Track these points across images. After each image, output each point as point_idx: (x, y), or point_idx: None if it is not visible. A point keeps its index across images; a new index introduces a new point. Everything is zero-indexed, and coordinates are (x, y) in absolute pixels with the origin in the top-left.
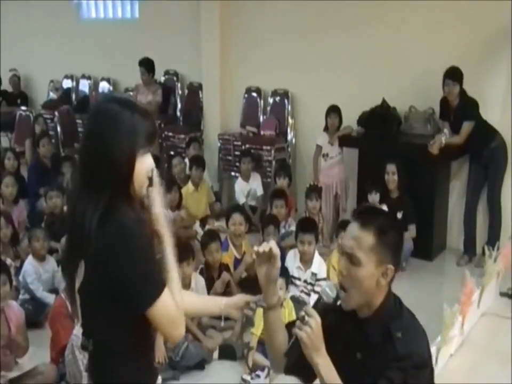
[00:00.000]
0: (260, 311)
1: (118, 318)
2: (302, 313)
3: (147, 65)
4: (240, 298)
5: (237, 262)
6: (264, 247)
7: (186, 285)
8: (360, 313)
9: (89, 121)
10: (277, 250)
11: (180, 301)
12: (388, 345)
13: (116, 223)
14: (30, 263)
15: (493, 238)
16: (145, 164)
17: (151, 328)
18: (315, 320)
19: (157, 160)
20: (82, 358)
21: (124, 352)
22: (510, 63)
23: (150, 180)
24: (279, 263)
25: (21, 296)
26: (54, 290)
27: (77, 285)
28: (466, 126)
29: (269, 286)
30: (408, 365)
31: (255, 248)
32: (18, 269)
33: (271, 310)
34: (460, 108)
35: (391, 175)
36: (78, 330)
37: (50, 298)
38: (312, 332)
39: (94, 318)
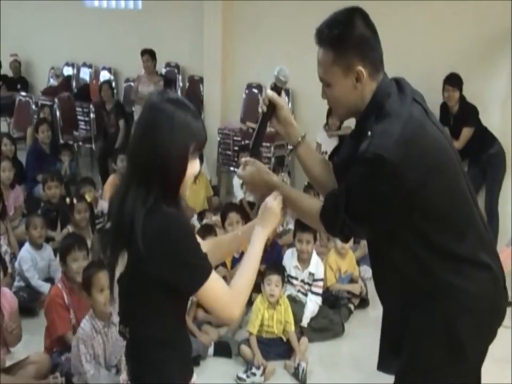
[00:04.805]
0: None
1: (157, 307)
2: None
3: (151, 53)
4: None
5: (235, 260)
6: (264, 98)
7: None
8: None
9: (144, 120)
10: (273, 96)
11: (235, 284)
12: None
13: (162, 215)
14: (26, 250)
15: None
16: (194, 168)
17: (185, 320)
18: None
19: None
20: (86, 353)
21: (161, 340)
22: (511, 66)
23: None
24: (283, 102)
25: (16, 283)
26: (49, 279)
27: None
28: (466, 132)
29: (287, 128)
30: (362, 160)
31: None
32: (14, 256)
33: (299, 147)
34: (460, 114)
35: None
36: (85, 324)
37: (45, 287)
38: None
39: (133, 307)
